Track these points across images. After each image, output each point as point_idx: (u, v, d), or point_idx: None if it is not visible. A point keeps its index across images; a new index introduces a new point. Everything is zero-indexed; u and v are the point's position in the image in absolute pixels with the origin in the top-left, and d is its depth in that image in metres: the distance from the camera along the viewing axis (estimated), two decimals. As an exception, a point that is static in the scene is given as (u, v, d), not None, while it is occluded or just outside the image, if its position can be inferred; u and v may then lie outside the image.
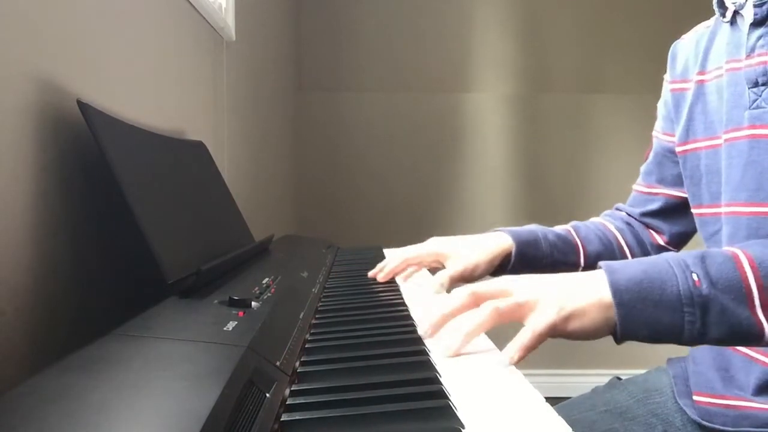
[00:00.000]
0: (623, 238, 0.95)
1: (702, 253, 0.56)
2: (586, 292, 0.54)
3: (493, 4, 2.40)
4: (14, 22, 0.53)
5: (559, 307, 0.53)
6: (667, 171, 0.92)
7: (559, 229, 0.93)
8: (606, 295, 0.54)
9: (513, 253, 0.85)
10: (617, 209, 1.03)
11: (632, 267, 0.56)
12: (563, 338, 0.54)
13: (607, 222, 0.98)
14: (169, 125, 0.91)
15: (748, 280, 0.53)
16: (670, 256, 0.57)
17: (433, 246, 0.88)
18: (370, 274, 0.90)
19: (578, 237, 0.92)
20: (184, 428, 0.30)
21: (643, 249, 0.95)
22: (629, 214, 0.99)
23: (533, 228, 0.91)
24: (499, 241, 0.86)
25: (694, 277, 0.54)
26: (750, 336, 0.53)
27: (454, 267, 0.83)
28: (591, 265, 0.90)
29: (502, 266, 0.87)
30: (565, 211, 2.38)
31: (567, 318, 0.53)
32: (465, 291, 0.58)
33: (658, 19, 2.34)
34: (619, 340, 0.55)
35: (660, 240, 0.95)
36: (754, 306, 0.53)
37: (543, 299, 0.55)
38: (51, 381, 0.35)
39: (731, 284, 0.53)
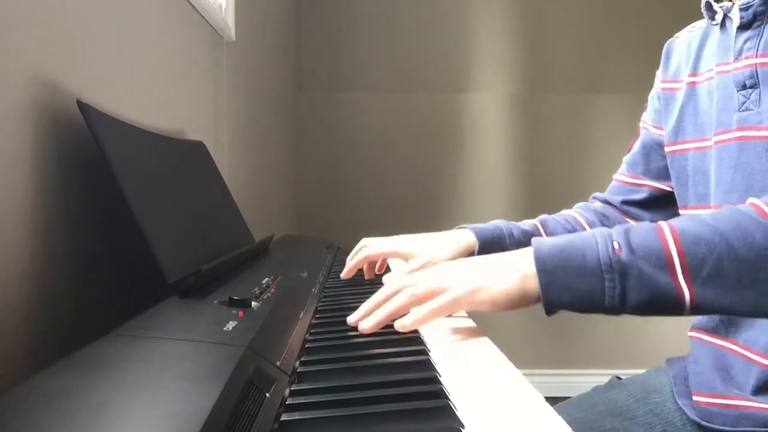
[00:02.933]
0: None
1: (628, 225, 0.57)
2: (503, 266, 0.58)
3: (493, 4, 2.40)
4: (14, 22, 0.53)
5: (465, 283, 0.57)
6: (653, 163, 0.92)
7: (526, 224, 0.93)
8: (527, 266, 0.56)
9: (476, 251, 0.86)
10: (594, 198, 1.02)
11: (559, 239, 0.58)
12: (476, 310, 0.58)
13: (578, 215, 0.97)
14: (169, 125, 0.91)
15: (668, 247, 0.53)
16: (597, 229, 0.58)
17: (396, 243, 0.88)
18: (342, 275, 0.89)
19: (545, 232, 0.92)
20: (184, 428, 0.30)
21: None
22: (608, 202, 0.98)
23: (498, 224, 0.90)
24: (461, 239, 0.86)
25: (615, 245, 0.54)
26: (670, 302, 0.53)
27: (414, 264, 0.83)
28: None
29: None
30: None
31: (474, 291, 0.56)
32: (393, 284, 0.61)
33: (658, 19, 2.34)
34: (546, 308, 0.56)
35: None
36: (675, 272, 0.53)
37: (455, 281, 0.58)
38: (51, 381, 0.35)
39: (651, 251, 0.54)
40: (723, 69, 0.76)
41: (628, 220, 0.95)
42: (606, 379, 0.93)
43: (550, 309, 0.56)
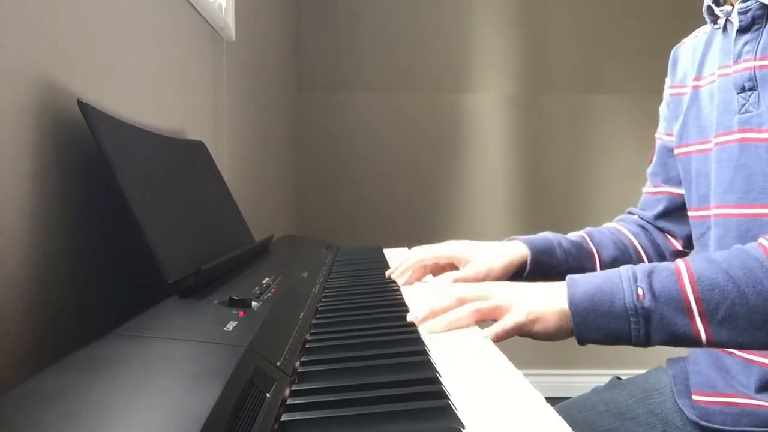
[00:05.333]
0: (638, 242, 0.95)
1: (652, 267, 0.63)
2: (550, 301, 0.63)
3: (493, 4, 2.40)
4: (14, 22, 0.53)
5: (528, 312, 0.62)
6: (672, 171, 0.93)
7: (573, 235, 0.93)
8: (566, 305, 0.62)
9: (528, 262, 0.85)
10: (630, 213, 1.02)
11: (590, 281, 0.64)
12: (529, 338, 0.64)
13: (621, 226, 0.98)
14: (169, 125, 0.91)
15: (686, 293, 0.60)
16: (624, 270, 0.63)
17: (451, 249, 0.88)
18: (387, 273, 0.90)
19: (592, 243, 0.92)
20: (184, 428, 0.30)
21: (659, 251, 0.95)
22: (642, 218, 0.99)
23: (548, 236, 0.90)
24: (514, 250, 0.86)
25: (639, 291, 0.61)
26: (689, 340, 0.60)
27: (466, 272, 0.82)
28: None
29: (518, 274, 0.87)
30: (565, 210, 2.38)
31: (533, 321, 0.62)
32: (453, 295, 0.65)
33: (658, 19, 2.34)
34: (579, 342, 0.63)
35: (677, 245, 0.95)
36: (693, 316, 0.59)
37: (516, 304, 0.63)
38: (51, 381, 0.35)
39: (672, 297, 0.60)
40: (724, 72, 0.77)
41: (665, 236, 0.96)
42: (606, 380, 0.93)
43: (582, 343, 0.63)
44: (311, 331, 0.60)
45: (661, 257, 0.95)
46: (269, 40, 1.82)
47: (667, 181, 0.94)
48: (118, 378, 0.36)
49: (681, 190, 0.92)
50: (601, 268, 0.90)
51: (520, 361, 0.54)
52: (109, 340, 0.43)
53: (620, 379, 0.92)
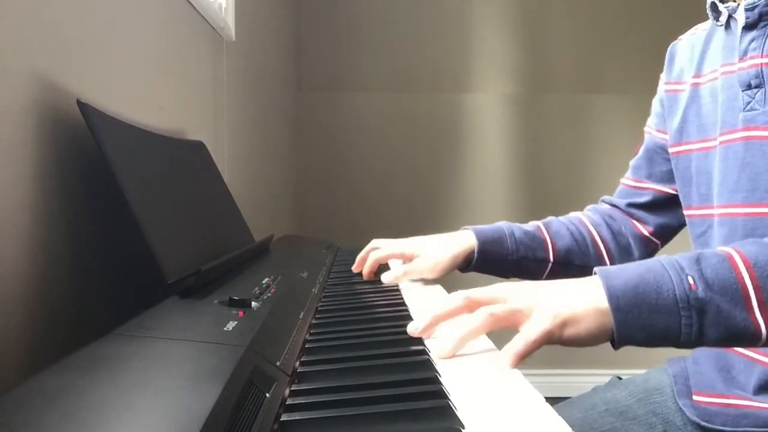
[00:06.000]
0: (598, 234, 0.95)
1: (696, 254, 0.56)
2: (581, 299, 0.54)
3: (493, 4, 2.40)
4: (14, 22, 0.53)
5: (554, 315, 0.53)
6: (656, 167, 0.93)
7: (529, 225, 0.94)
8: (602, 302, 0.53)
9: (475, 251, 0.88)
10: (602, 201, 1.03)
11: (627, 272, 0.55)
12: (559, 344, 0.54)
13: (584, 217, 0.99)
14: (169, 125, 0.91)
15: (744, 282, 0.53)
16: (664, 259, 0.56)
17: (404, 245, 0.91)
18: (353, 268, 0.92)
19: (548, 233, 0.93)
20: (184, 428, 0.30)
21: (620, 243, 0.95)
22: (614, 205, 0.99)
23: (501, 225, 0.92)
24: (462, 240, 0.89)
25: (690, 280, 0.53)
26: (747, 337, 0.53)
27: (417, 264, 0.86)
28: (561, 260, 0.91)
29: (468, 264, 0.89)
30: (565, 211, 2.37)
31: (562, 325, 0.52)
32: (460, 296, 0.57)
33: (658, 19, 2.34)
34: (616, 346, 0.54)
35: (644, 230, 0.95)
36: (751, 307, 0.52)
37: (538, 306, 0.54)
38: (51, 381, 0.35)
39: (727, 286, 0.53)
40: (728, 69, 0.77)
41: (632, 221, 0.96)
42: (606, 379, 0.93)
43: (621, 345, 0.54)
44: (311, 331, 0.60)
45: (623, 250, 0.94)
46: (269, 40, 1.82)
47: (650, 177, 0.94)
48: (118, 378, 0.36)
49: (664, 187, 0.92)
50: (554, 258, 0.91)
51: (520, 361, 0.54)
52: (109, 340, 0.43)
53: (620, 378, 0.92)
